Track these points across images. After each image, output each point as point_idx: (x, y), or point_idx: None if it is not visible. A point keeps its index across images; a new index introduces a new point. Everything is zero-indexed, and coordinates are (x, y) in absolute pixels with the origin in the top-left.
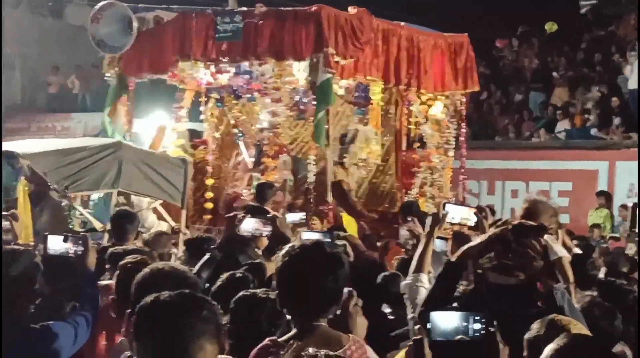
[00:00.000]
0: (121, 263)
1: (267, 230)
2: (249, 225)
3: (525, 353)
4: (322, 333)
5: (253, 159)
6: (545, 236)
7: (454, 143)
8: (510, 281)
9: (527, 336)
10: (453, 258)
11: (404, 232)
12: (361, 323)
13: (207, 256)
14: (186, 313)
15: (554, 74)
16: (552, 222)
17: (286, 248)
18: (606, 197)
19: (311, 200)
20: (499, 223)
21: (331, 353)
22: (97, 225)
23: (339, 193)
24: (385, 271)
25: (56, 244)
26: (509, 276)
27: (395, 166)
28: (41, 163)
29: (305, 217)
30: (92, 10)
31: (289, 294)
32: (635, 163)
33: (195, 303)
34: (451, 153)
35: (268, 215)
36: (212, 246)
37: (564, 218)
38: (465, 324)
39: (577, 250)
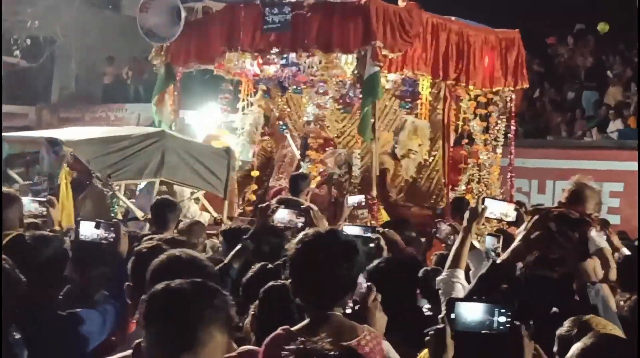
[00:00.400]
0: (136, 248)
1: (300, 221)
2: (282, 216)
3: (555, 348)
4: (336, 322)
5: (299, 153)
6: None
7: (502, 140)
8: (551, 275)
9: (558, 332)
10: (499, 260)
11: (444, 227)
12: (380, 319)
13: (238, 246)
14: (197, 301)
15: (609, 73)
16: (597, 210)
17: (300, 235)
18: None
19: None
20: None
21: (344, 344)
22: (139, 214)
23: (380, 183)
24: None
25: (88, 230)
26: (550, 270)
27: (443, 162)
28: (84, 151)
29: (365, 199)
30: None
31: (302, 282)
32: None
33: (207, 292)
34: (499, 150)
35: (302, 206)
36: (244, 237)
37: (615, 219)
38: (491, 316)
39: (626, 251)
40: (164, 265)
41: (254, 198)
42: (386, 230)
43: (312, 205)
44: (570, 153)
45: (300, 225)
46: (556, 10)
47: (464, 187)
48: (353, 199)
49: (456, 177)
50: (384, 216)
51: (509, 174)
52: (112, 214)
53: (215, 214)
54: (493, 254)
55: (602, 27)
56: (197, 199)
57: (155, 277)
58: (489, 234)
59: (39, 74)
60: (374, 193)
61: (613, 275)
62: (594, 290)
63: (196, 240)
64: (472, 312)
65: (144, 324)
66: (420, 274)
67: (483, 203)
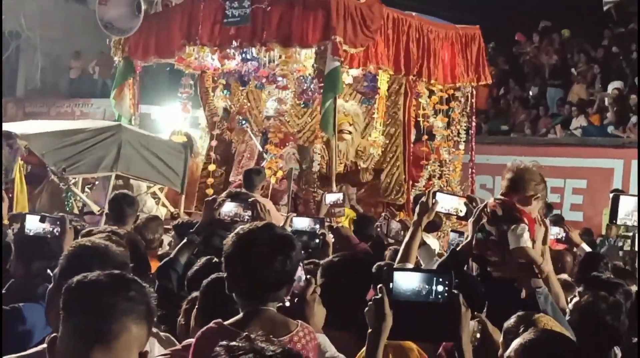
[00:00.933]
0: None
1: (247, 215)
2: (228, 209)
3: (500, 340)
4: (269, 318)
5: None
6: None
7: (464, 136)
8: (496, 274)
9: (505, 325)
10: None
11: (394, 225)
12: (319, 312)
13: (184, 240)
14: (111, 293)
15: (573, 70)
16: (539, 190)
17: (237, 228)
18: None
19: (315, 189)
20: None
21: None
22: (95, 208)
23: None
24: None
25: (33, 224)
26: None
27: (403, 158)
28: (39, 144)
29: (343, 198)
30: None
31: (236, 276)
32: None
33: (122, 283)
34: (462, 147)
35: (249, 199)
36: (190, 231)
37: (578, 216)
38: (429, 286)
39: (586, 247)
40: (74, 255)
41: (212, 192)
42: (340, 225)
43: (259, 198)
44: (534, 150)
45: (247, 218)
46: (522, 7)
47: (424, 183)
48: (330, 198)
49: (417, 173)
50: (349, 212)
51: (470, 170)
52: (67, 208)
53: (172, 209)
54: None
55: (565, 33)
56: (154, 194)
57: (66, 268)
58: (452, 230)
59: (4, 68)
60: (334, 187)
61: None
62: (543, 296)
63: (153, 235)
64: (410, 281)
65: (61, 317)
66: (374, 270)
67: (434, 197)
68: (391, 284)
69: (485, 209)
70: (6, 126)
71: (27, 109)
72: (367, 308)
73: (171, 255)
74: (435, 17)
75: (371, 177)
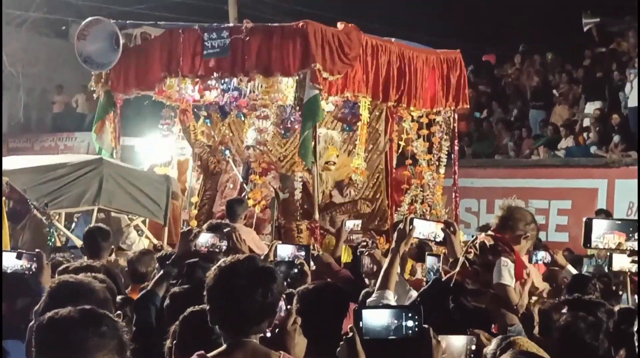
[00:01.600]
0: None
1: (223, 245)
2: (205, 240)
3: None
4: (251, 349)
5: (242, 177)
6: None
7: (445, 160)
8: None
9: (485, 350)
10: (444, 278)
11: (365, 260)
12: (300, 343)
13: (160, 272)
14: (81, 328)
15: (555, 91)
16: (529, 230)
17: (219, 261)
18: (606, 215)
19: (298, 218)
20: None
21: None
22: (78, 242)
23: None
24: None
25: (10, 261)
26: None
27: (386, 184)
28: (20, 180)
29: (360, 224)
30: (79, 27)
31: (218, 309)
32: (635, 181)
33: (93, 319)
34: (442, 171)
35: (225, 230)
36: (167, 263)
37: (563, 236)
38: (398, 321)
39: (572, 269)
40: (56, 291)
41: (195, 223)
42: (320, 253)
43: (242, 228)
44: (518, 172)
45: (223, 248)
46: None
47: (406, 207)
48: (349, 224)
49: (400, 198)
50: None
51: (454, 194)
52: (50, 243)
53: (155, 241)
54: (431, 274)
55: (550, 56)
56: (137, 227)
57: (49, 304)
58: (429, 254)
59: None
60: (316, 216)
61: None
62: (515, 333)
63: (146, 269)
64: (379, 319)
65: (34, 354)
66: (360, 297)
67: (411, 223)
68: (361, 322)
69: (475, 243)
70: None
71: (10, 144)
72: (338, 348)
73: (148, 288)
74: (415, 43)
75: (369, 209)
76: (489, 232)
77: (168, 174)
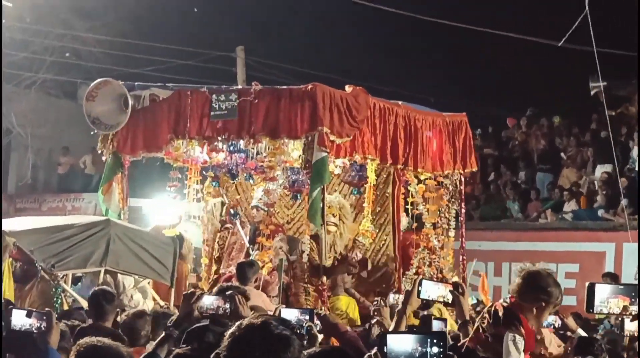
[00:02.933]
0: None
1: (227, 308)
2: (208, 302)
3: None
4: None
5: (248, 238)
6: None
7: (453, 223)
8: None
9: None
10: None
11: (375, 330)
12: None
13: (162, 334)
14: None
15: (562, 154)
16: (551, 296)
17: (233, 327)
18: (612, 278)
19: (305, 280)
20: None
21: None
22: (84, 304)
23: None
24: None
25: (20, 319)
26: None
27: (393, 247)
28: (27, 240)
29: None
30: (88, 88)
31: None
32: None
33: None
34: (452, 234)
35: (228, 293)
36: (168, 325)
37: (571, 300)
38: (422, 348)
39: (582, 332)
40: (82, 355)
41: (206, 286)
42: (327, 313)
43: (253, 291)
44: (526, 235)
45: (227, 311)
46: (509, 93)
47: (414, 271)
48: (394, 297)
49: (407, 261)
50: (343, 301)
51: (461, 257)
52: (57, 305)
53: (162, 303)
54: None
55: (557, 119)
56: (141, 289)
57: None
58: (435, 318)
59: None
60: (324, 278)
61: None
62: None
63: (140, 331)
64: (404, 344)
65: None
66: None
67: (420, 285)
68: (385, 348)
69: (490, 310)
70: None
71: (18, 205)
72: None
73: (150, 350)
74: (422, 105)
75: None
76: (505, 299)
77: (181, 234)
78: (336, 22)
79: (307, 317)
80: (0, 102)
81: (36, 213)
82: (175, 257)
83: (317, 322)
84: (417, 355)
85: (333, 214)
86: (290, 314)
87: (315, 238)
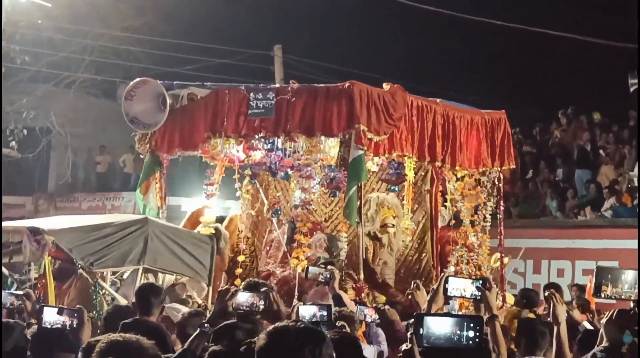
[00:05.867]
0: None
1: (261, 305)
2: (243, 299)
3: None
4: None
5: (286, 236)
6: None
7: (490, 220)
8: None
9: None
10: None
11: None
12: None
13: (197, 331)
14: None
15: (601, 151)
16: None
17: (269, 327)
18: (580, 289)
19: (343, 278)
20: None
21: None
22: (123, 302)
23: (369, 275)
24: None
25: (52, 316)
26: None
27: (431, 244)
28: (66, 239)
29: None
30: (126, 87)
31: None
32: None
33: None
34: (489, 230)
35: (262, 289)
36: (202, 321)
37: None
38: (459, 331)
39: (587, 325)
40: (106, 351)
41: (239, 282)
42: (387, 307)
43: (273, 287)
44: (564, 233)
45: (261, 308)
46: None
47: (452, 269)
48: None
49: (445, 259)
50: (381, 299)
51: (500, 254)
52: (96, 302)
53: (199, 301)
54: None
55: (597, 116)
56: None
57: None
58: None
59: (35, 164)
60: (362, 276)
61: None
62: None
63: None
64: (440, 326)
65: None
66: None
67: (446, 282)
68: (421, 330)
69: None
70: (33, 222)
71: (58, 204)
72: None
73: (184, 346)
74: (460, 103)
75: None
76: None
77: (220, 228)
78: (374, 20)
79: (325, 313)
80: (0, 101)
81: (76, 212)
82: (212, 255)
83: (375, 315)
84: (454, 338)
85: (393, 216)
86: (309, 311)
87: (374, 238)
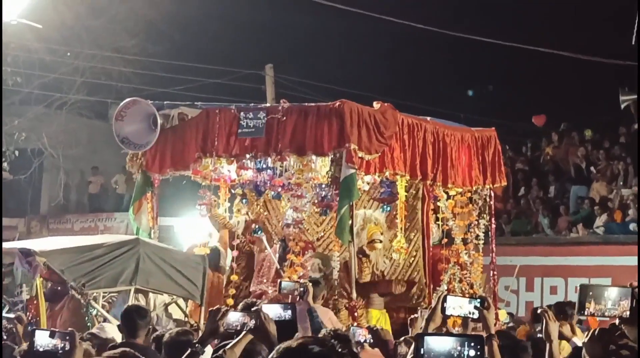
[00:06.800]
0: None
1: (252, 324)
2: (234, 319)
3: None
4: None
5: (278, 255)
6: None
7: (483, 238)
8: None
9: None
10: None
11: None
12: None
13: (188, 351)
14: None
15: (592, 168)
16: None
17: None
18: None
19: (336, 297)
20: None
21: None
22: (115, 322)
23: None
24: None
25: (43, 339)
26: None
27: (423, 262)
28: (58, 261)
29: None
30: (117, 108)
31: None
32: None
33: None
34: (481, 249)
35: (253, 308)
36: (194, 341)
37: None
38: (460, 349)
39: (577, 341)
40: None
41: (232, 302)
42: (380, 328)
43: (321, 308)
44: (557, 250)
45: (252, 327)
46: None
47: (445, 287)
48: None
49: (437, 277)
50: (374, 315)
51: (492, 272)
52: (88, 324)
53: (192, 322)
54: None
55: (588, 133)
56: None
57: None
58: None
59: (28, 185)
60: (354, 294)
61: None
62: None
63: None
64: (441, 345)
65: None
66: None
67: (445, 301)
68: (422, 350)
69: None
70: (25, 243)
71: (50, 225)
72: None
73: None
74: (450, 121)
75: (404, 289)
76: None
77: (218, 246)
78: (364, 39)
79: (290, 313)
80: (0, 115)
81: (69, 234)
82: (204, 275)
83: (369, 335)
84: (454, 356)
85: (381, 232)
86: (273, 310)
87: (362, 253)
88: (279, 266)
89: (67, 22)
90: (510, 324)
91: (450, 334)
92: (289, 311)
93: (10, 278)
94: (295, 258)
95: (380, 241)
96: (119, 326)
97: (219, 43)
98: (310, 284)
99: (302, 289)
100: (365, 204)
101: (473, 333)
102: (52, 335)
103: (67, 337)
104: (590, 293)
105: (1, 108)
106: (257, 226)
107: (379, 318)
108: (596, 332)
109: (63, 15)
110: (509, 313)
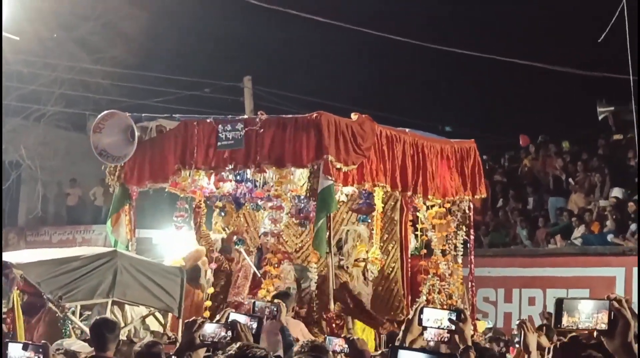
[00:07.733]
0: None
1: (228, 335)
2: (210, 330)
3: None
4: None
5: (254, 263)
6: None
7: (462, 249)
8: None
9: None
10: None
11: None
12: None
13: None
14: None
15: (570, 180)
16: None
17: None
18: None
19: (314, 309)
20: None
21: None
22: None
23: (343, 295)
24: None
25: (17, 352)
26: None
27: (402, 273)
28: (34, 273)
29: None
30: (95, 120)
31: None
32: None
33: None
34: (460, 260)
35: (230, 320)
36: (171, 354)
37: None
38: None
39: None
40: None
41: (208, 314)
42: (356, 338)
43: (291, 321)
44: (535, 261)
45: (228, 339)
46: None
47: (424, 298)
48: None
49: (416, 288)
50: (359, 326)
51: (470, 283)
52: (65, 337)
53: (170, 334)
54: None
55: (566, 144)
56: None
57: None
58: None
59: (5, 197)
60: (331, 305)
61: None
62: None
63: None
64: None
65: None
66: None
67: (422, 313)
68: None
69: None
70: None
71: (28, 238)
72: None
73: None
74: (429, 133)
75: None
76: None
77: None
78: (342, 50)
79: (256, 325)
80: (0, 131)
81: (46, 246)
82: (182, 288)
83: (345, 345)
84: None
85: (366, 251)
86: (238, 317)
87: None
88: (259, 275)
89: (44, 34)
90: (490, 334)
91: (424, 350)
92: (255, 323)
93: None
94: (273, 270)
95: (364, 260)
96: (87, 340)
97: (197, 55)
98: (284, 304)
99: (274, 308)
100: (344, 216)
101: (447, 353)
102: (25, 348)
103: (41, 350)
104: (563, 306)
105: (1, 108)
106: (238, 238)
107: (364, 328)
108: (558, 345)
109: (40, 28)
110: (488, 328)
